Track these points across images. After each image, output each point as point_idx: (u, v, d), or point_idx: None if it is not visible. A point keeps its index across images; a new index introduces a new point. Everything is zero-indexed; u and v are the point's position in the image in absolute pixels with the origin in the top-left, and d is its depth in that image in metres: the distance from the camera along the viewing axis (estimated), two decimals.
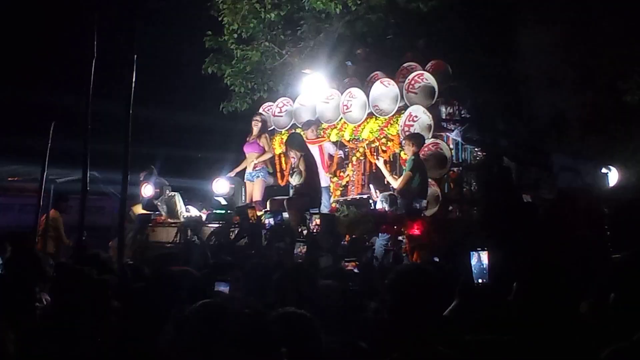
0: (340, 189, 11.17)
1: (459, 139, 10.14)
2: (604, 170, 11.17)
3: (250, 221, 8.38)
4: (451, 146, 10.24)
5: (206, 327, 2.38)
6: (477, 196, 10.08)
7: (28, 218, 11.78)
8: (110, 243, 9.92)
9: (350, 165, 11.12)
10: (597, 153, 11.20)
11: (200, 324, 2.41)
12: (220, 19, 13.18)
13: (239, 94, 13.61)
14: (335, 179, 11.23)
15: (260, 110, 11.92)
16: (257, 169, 10.70)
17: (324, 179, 10.49)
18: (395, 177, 9.41)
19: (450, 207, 10.04)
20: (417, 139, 9.05)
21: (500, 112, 10.73)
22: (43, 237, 10.45)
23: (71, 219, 11.02)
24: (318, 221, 8.29)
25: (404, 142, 9.21)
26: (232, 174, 10.91)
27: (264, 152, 10.80)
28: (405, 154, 9.35)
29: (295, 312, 3.02)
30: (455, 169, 10.07)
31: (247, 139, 10.91)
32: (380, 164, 9.56)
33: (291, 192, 9.83)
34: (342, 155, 11.05)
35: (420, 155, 9.43)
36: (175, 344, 2.52)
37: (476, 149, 10.32)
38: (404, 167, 9.30)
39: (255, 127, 10.81)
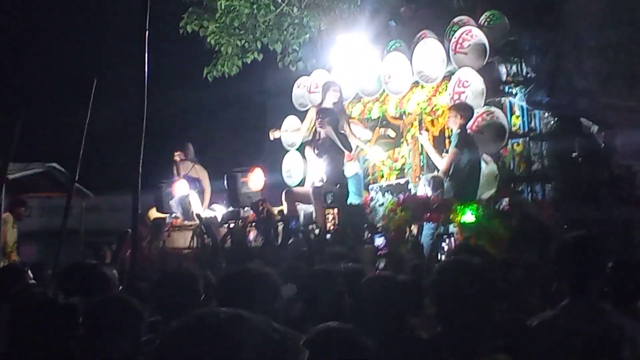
0: (396, 172, 11.30)
1: (524, 104, 10.10)
2: None
3: (262, 216, 8.70)
4: (517, 113, 10.23)
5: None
6: (552, 172, 10.05)
7: None
8: (128, 253, 10.50)
9: (405, 143, 11.23)
10: None
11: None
12: None
13: (227, 56, 12.98)
14: (388, 161, 11.41)
15: (297, 86, 12.22)
16: None
17: (353, 166, 10.77)
18: (443, 155, 9.50)
19: (518, 188, 10.02)
20: (464, 110, 9.15)
21: (576, 67, 10.55)
22: None
23: (30, 225, 11.19)
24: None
25: (449, 113, 9.28)
26: None
27: None
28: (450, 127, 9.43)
29: (337, 327, 2.86)
30: (520, 141, 10.04)
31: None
32: (424, 139, 9.69)
33: (312, 180, 10.03)
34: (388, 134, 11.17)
35: (474, 127, 9.52)
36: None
37: (547, 114, 10.23)
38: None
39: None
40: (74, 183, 7.39)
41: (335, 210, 8.65)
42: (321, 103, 10.74)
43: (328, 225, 8.58)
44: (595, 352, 3.27)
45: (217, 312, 1.87)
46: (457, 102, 9.53)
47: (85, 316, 3.40)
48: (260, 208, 8.87)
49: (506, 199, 9.49)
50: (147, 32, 6.50)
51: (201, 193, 11.14)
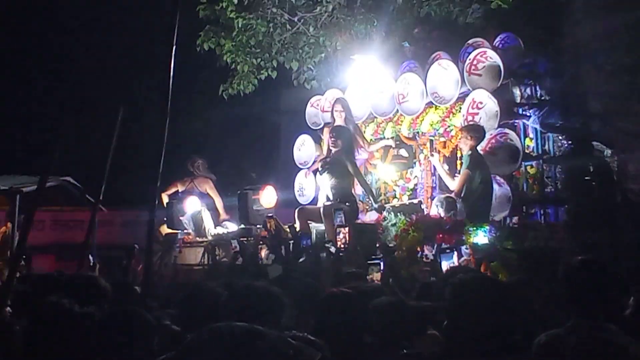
0: (408, 192, 11.31)
1: (538, 126, 10.11)
2: None
3: (271, 233, 8.73)
4: (530, 135, 10.25)
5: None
6: (565, 195, 10.03)
7: None
8: (140, 268, 10.53)
9: (417, 164, 11.23)
10: None
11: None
12: None
13: (242, 74, 13.05)
14: (401, 181, 11.42)
15: (310, 104, 12.30)
16: None
17: None
18: (455, 177, 9.53)
19: (532, 210, 10.02)
20: (474, 131, 9.16)
21: (591, 90, 10.55)
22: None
23: (42, 238, 11.21)
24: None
25: (460, 135, 9.31)
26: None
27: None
28: (461, 149, 9.45)
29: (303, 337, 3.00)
30: (534, 163, 10.04)
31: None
32: (435, 161, 9.72)
33: (322, 197, 10.08)
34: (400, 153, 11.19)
35: (487, 149, 9.54)
36: None
37: (561, 137, 10.24)
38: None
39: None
40: (98, 204, 7.44)
41: (347, 229, 8.65)
42: (332, 122, 10.81)
43: (339, 244, 8.58)
44: None
45: (232, 327, 1.89)
46: (470, 123, 9.55)
47: (98, 327, 3.44)
48: (269, 225, 8.88)
49: (515, 218, 9.54)
50: (174, 46, 6.49)
51: (212, 208, 11.17)
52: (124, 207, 15.17)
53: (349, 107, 10.89)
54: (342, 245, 8.53)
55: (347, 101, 11.09)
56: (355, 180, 10.09)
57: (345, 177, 9.65)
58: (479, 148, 9.27)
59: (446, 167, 10.05)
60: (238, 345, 1.81)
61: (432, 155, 10.16)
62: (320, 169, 9.88)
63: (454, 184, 9.37)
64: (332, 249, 8.48)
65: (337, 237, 8.60)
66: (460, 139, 9.37)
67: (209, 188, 11.21)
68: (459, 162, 10.11)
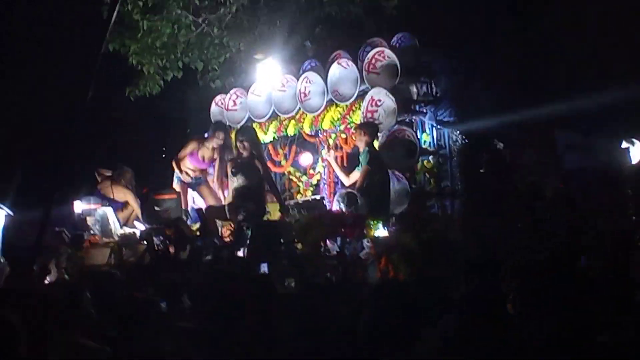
0: (311, 188, 11.45)
1: (434, 122, 10.37)
2: (624, 144, 11.31)
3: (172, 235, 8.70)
4: (427, 131, 10.49)
5: None
6: (459, 187, 10.31)
7: None
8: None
9: (320, 160, 11.36)
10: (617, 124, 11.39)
11: None
12: None
13: (149, 75, 12.85)
14: (304, 177, 11.56)
15: (215, 103, 12.31)
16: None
17: None
18: (348, 173, 9.80)
19: (428, 203, 10.26)
20: (367, 127, 9.46)
21: (483, 88, 10.88)
22: None
23: None
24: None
25: (355, 132, 9.51)
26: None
27: None
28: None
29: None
30: (430, 158, 10.30)
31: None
32: (331, 158, 9.92)
33: (226, 196, 10.15)
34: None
35: (386, 145, 9.76)
36: None
37: (455, 133, 10.51)
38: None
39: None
40: None
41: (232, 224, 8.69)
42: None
43: (225, 238, 8.61)
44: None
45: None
46: (359, 122, 9.83)
47: None
48: (172, 228, 8.81)
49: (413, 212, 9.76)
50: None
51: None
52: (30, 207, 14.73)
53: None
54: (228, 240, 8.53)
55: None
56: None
57: (255, 178, 9.70)
58: (375, 144, 9.47)
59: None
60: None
61: (328, 152, 10.33)
62: (232, 170, 9.85)
63: (348, 180, 9.62)
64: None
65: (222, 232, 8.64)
66: (355, 137, 9.59)
67: (131, 199, 11.03)
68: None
